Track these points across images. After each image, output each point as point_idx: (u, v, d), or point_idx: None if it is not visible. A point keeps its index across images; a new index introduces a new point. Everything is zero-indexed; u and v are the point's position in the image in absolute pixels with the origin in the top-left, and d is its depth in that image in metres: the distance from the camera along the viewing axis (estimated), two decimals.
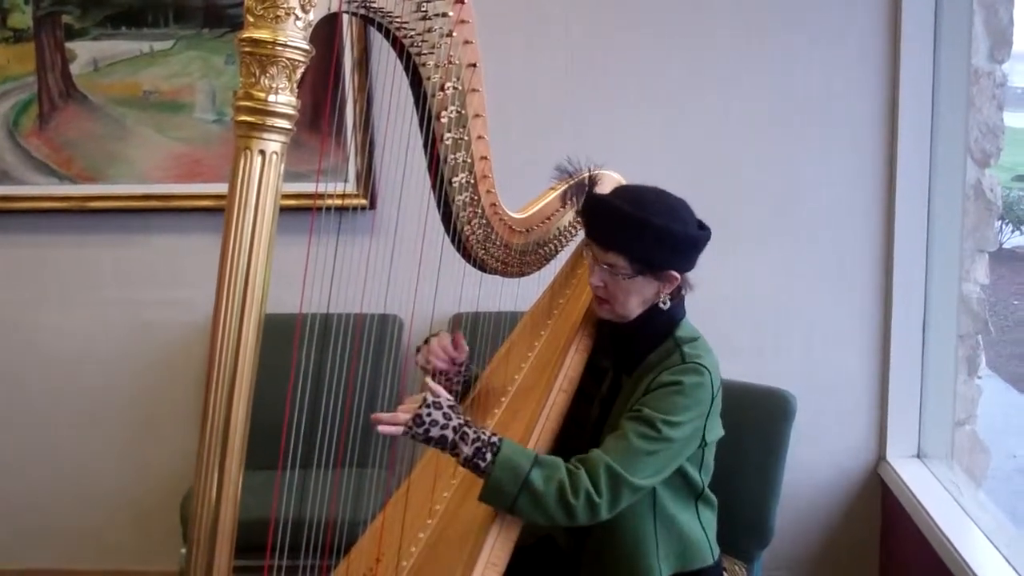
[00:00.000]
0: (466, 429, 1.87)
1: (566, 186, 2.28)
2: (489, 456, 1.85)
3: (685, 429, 1.98)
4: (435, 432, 1.86)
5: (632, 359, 2.13)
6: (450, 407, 1.90)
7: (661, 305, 2.09)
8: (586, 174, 2.24)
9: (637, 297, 2.07)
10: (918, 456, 3.28)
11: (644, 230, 1.99)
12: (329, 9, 1.52)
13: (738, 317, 3.28)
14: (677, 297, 2.12)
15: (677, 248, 2.03)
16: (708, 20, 3.22)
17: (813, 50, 3.19)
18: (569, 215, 2.39)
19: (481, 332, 2.59)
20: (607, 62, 3.25)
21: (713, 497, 2.20)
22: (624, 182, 2.39)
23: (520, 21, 3.22)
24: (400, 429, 1.87)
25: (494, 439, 1.88)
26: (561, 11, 3.23)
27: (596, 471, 1.89)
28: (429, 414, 1.87)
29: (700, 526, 2.16)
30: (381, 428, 1.88)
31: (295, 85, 1.48)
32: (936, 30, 3.09)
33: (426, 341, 2.28)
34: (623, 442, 1.93)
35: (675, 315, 2.12)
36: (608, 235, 2.04)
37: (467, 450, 1.86)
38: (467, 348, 2.30)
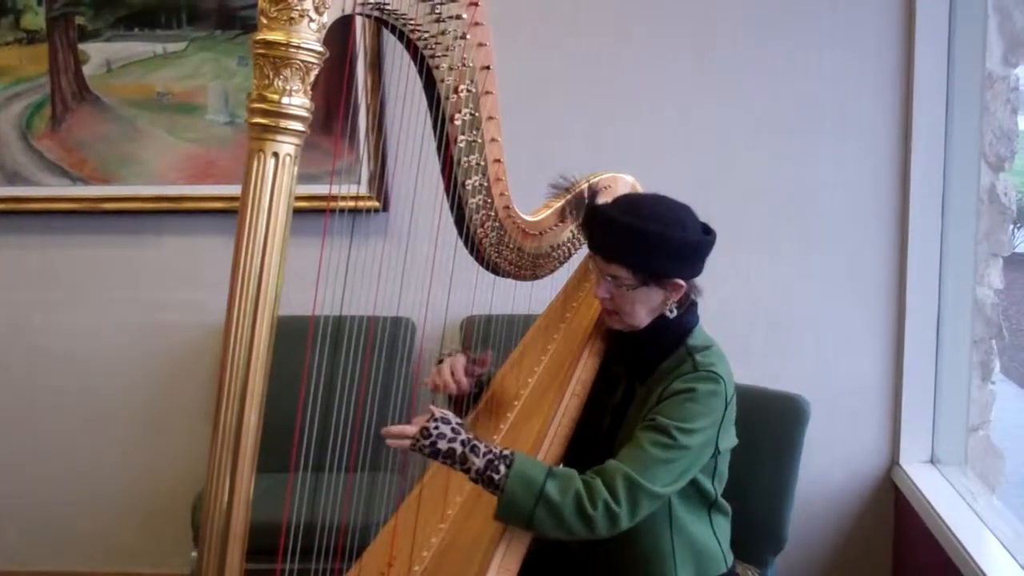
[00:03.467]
0: (476, 443, 1.85)
1: (563, 201, 2.23)
2: (503, 468, 1.83)
3: (699, 436, 1.95)
4: (443, 445, 1.84)
5: (644, 367, 2.10)
6: (458, 423, 1.88)
7: (668, 314, 2.06)
8: (584, 186, 2.18)
9: (644, 307, 2.04)
10: (932, 461, 3.26)
11: (642, 239, 1.96)
12: (343, 11, 1.51)
13: (751, 321, 3.27)
14: (686, 304, 2.09)
15: (678, 255, 1.99)
16: (720, 23, 3.21)
17: (827, 54, 3.18)
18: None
19: (494, 335, 2.58)
20: (619, 66, 3.24)
21: (727, 505, 2.19)
22: (638, 185, 2.38)
23: (530, 24, 3.21)
24: (408, 442, 1.86)
25: (506, 452, 1.86)
26: (573, 14, 3.22)
27: (613, 480, 1.86)
28: (436, 427, 1.85)
29: (713, 535, 2.14)
30: (389, 442, 1.88)
31: (308, 87, 1.48)
32: (950, 34, 3.08)
33: (440, 361, 2.23)
34: (638, 451, 1.91)
35: (687, 323, 2.09)
36: (608, 247, 2.02)
37: (479, 462, 1.83)
38: (491, 359, 2.26)
